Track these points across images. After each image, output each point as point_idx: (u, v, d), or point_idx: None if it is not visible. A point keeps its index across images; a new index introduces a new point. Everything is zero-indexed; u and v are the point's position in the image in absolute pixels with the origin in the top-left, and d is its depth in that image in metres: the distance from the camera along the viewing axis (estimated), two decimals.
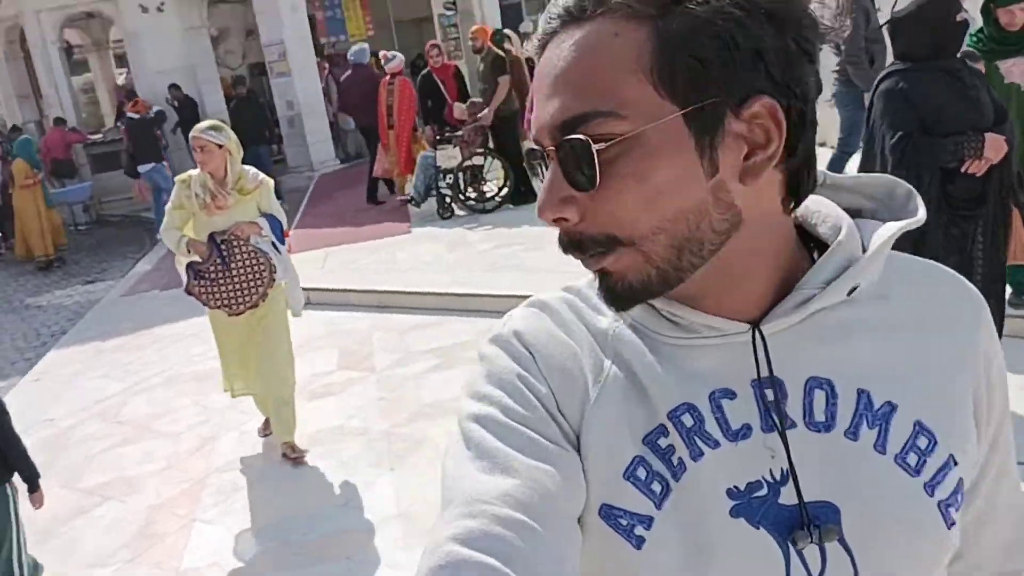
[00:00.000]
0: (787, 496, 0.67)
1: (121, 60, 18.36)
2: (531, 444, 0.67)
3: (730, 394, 0.69)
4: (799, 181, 0.69)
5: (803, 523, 0.67)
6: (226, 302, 4.24)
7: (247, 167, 4.28)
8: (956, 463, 0.70)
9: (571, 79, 0.63)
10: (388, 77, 9.65)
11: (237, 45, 18.23)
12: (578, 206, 0.65)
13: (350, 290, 7.14)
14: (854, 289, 0.69)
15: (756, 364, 0.68)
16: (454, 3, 17.88)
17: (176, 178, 4.31)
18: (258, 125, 11.65)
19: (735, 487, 0.68)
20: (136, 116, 11.46)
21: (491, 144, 9.04)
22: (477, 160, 9.00)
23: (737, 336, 0.69)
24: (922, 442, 0.68)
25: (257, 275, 4.23)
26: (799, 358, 0.69)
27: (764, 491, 0.68)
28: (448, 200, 9.04)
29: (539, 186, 0.68)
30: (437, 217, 9.05)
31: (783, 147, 0.64)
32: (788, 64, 0.62)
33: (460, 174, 8.96)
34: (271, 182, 4.38)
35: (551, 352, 0.73)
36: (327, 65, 15.44)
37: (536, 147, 0.68)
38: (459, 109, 8.94)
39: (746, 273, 0.69)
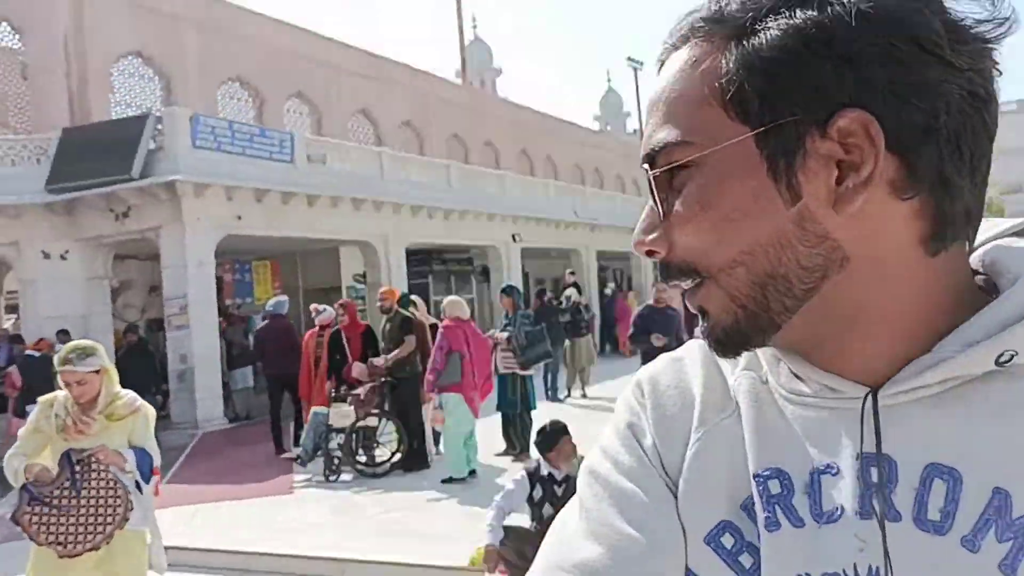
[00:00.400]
0: None
1: (13, 308, 17.82)
2: (630, 502, 0.66)
3: (834, 469, 0.59)
4: (940, 214, 0.56)
5: None
6: (61, 539, 3.58)
7: (126, 391, 3.86)
8: None
9: (654, 110, 0.62)
10: (317, 329, 9.61)
11: (138, 299, 18.03)
12: (665, 237, 0.62)
13: (216, 550, 6.43)
14: (1009, 358, 0.54)
15: (861, 435, 0.58)
16: (363, 275, 18.46)
17: (40, 399, 3.86)
18: (145, 374, 11.23)
19: (806, 575, 0.58)
20: (36, 354, 10.95)
21: (387, 406, 8.83)
22: (371, 421, 8.71)
23: (853, 401, 0.59)
24: None
25: (110, 508, 3.65)
26: (923, 437, 0.56)
27: None
28: (337, 462, 8.59)
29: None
30: (323, 478, 8.52)
31: (900, 169, 0.55)
32: (896, 69, 0.53)
33: (353, 434, 8.61)
34: (151, 411, 3.93)
35: (663, 401, 0.70)
36: (224, 324, 15.25)
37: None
38: (358, 368, 8.80)
39: (866, 323, 0.59)
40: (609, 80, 67.02)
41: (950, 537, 0.54)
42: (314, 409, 8.81)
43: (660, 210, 0.61)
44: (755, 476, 0.62)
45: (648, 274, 30.18)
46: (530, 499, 5.03)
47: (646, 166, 0.61)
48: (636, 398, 0.73)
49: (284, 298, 11.45)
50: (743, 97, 0.56)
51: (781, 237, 0.57)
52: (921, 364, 0.56)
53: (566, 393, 13.50)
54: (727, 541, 0.62)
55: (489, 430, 8.79)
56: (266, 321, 11.11)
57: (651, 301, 8.90)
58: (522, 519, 5.08)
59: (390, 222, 18.49)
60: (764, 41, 0.55)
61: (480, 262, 23.99)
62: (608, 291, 23.11)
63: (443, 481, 7.90)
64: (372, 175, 18.61)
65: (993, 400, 0.55)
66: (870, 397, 0.58)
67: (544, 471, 5.06)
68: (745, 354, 0.66)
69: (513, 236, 22.81)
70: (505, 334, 8.99)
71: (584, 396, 13.49)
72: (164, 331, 14.34)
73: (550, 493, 5.01)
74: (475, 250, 23.54)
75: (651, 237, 0.62)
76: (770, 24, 0.56)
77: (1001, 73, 0.56)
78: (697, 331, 0.69)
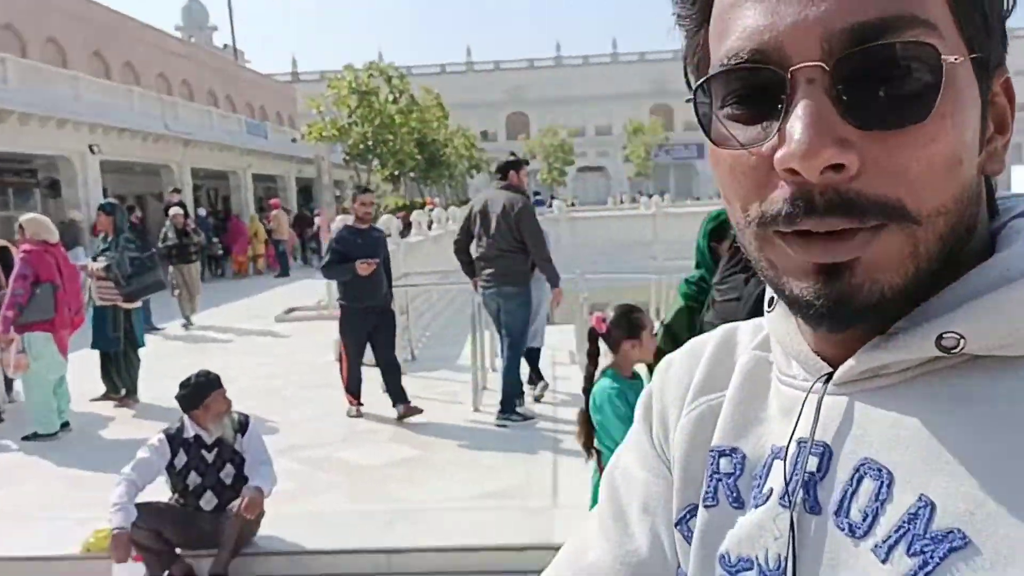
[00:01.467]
0: None
1: None
2: (638, 487, 0.68)
3: (783, 453, 0.55)
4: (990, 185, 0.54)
5: None
6: None
7: None
8: None
9: None
10: None
11: None
12: (857, 152, 0.46)
13: None
14: (955, 344, 0.48)
15: (796, 420, 0.55)
16: None
17: None
18: None
19: (727, 554, 0.57)
20: None
21: None
22: None
23: (818, 383, 0.55)
24: None
25: None
26: (867, 428, 0.51)
27: (752, 573, 0.55)
28: None
29: (741, 132, 0.50)
30: None
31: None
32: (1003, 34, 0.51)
33: None
34: None
35: (669, 383, 0.69)
36: None
37: (758, 65, 0.48)
38: None
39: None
40: None
41: (864, 541, 0.49)
42: None
43: (888, 110, 0.46)
44: (710, 451, 0.61)
45: (249, 194, 28.48)
46: (171, 467, 4.05)
47: (920, 41, 0.45)
48: (654, 382, 0.71)
49: None
50: (971, 8, 0.49)
51: (973, 187, 0.50)
52: (870, 346, 0.51)
53: (184, 322, 11.96)
54: (694, 524, 0.61)
55: (79, 372, 7.23)
56: None
57: (350, 221, 6.73)
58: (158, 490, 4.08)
59: None
60: None
61: (47, 174, 20.46)
62: (202, 212, 21.13)
63: (26, 438, 6.39)
64: None
65: (947, 395, 0.49)
66: (826, 381, 0.54)
67: (189, 433, 4.10)
68: (759, 334, 0.64)
69: (91, 147, 19.77)
70: (103, 261, 7.45)
71: (188, 326, 11.97)
72: None
73: (196, 459, 4.08)
74: (41, 160, 20.00)
75: (843, 148, 0.45)
76: None
77: None
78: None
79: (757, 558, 0.55)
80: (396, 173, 28.32)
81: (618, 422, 2.79)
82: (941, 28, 0.46)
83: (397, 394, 6.43)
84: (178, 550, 4.02)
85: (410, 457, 5.63)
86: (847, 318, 0.49)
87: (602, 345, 2.97)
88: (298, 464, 5.32)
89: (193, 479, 4.07)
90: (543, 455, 5.50)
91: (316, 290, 14.41)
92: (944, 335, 0.47)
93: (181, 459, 4.07)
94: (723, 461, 0.60)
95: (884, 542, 0.48)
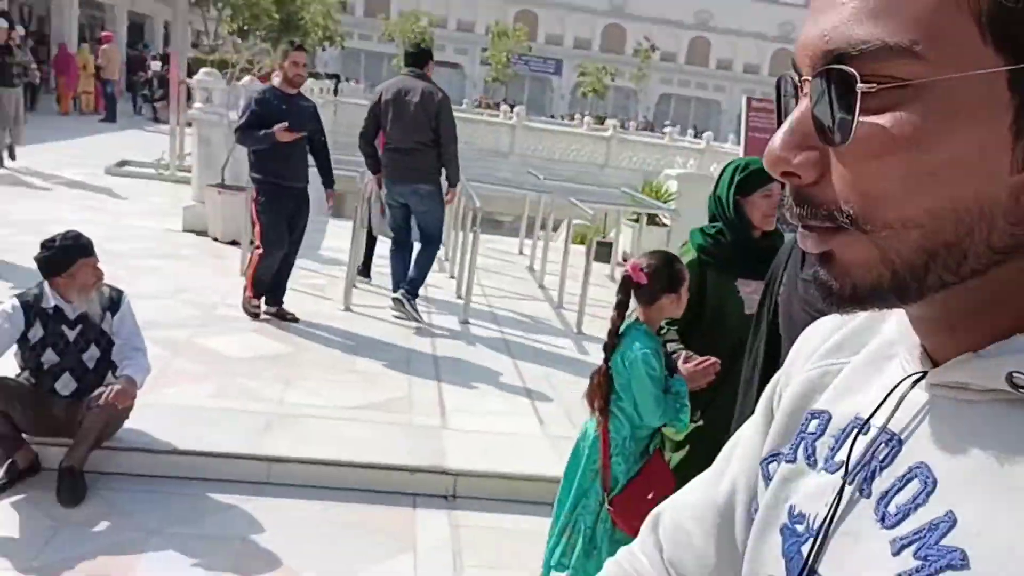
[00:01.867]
0: (808, 551, 0.58)
1: None
2: (744, 443, 0.75)
3: (867, 429, 0.58)
4: None
5: None
6: None
7: None
8: None
9: None
10: None
11: None
12: (820, 163, 0.50)
13: None
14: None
15: (877, 407, 0.57)
16: None
17: None
18: None
19: (794, 507, 0.62)
20: None
21: None
22: None
23: (911, 376, 0.57)
24: None
25: None
26: (936, 433, 0.53)
27: (802, 529, 0.60)
28: None
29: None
30: None
31: None
32: None
33: None
34: None
35: (815, 335, 0.71)
36: None
37: (793, 72, 0.53)
38: None
39: (994, 312, 0.51)
40: None
41: (888, 532, 0.52)
42: None
43: (830, 129, 0.48)
44: (808, 411, 0.64)
45: (72, 21, 25.40)
46: (23, 339, 3.45)
47: (844, 67, 0.47)
48: (798, 340, 0.73)
49: None
50: (1011, 15, 0.44)
51: (986, 206, 0.47)
52: (959, 361, 0.52)
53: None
54: (772, 468, 0.66)
55: None
56: None
57: (276, 82, 5.68)
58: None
59: None
60: None
61: None
62: (20, 31, 18.50)
63: None
64: None
65: (1015, 425, 0.49)
66: (920, 378, 0.56)
67: (49, 303, 3.51)
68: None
69: None
70: None
71: (11, 159, 10.47)
72: None
73: (55, 335, 3.51)
74: None
75: (800, 158, 0.50)
76: None
77: None
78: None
79: (808, 516, 0.59)
80: (246, 28, 26.09)
81: (650, 384, 2.50)
82: (934, 46, 0.45)
83: (279, 291, 5.85)
84: (24, 436, 3.47)
85: (280, 353, 5.19)
86: (835, 304, 0.53)
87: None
88: (153, 345, 4.75)
89: (49, 357, 3.49)
90: (424, 369, 5.23)
91: (151, 144, 13.13)
92: (1014, 374, 0.48)
93: (37, 332, 3.47)
94: (813, 423, 0.63)
95: (902, 539, 0.51)
